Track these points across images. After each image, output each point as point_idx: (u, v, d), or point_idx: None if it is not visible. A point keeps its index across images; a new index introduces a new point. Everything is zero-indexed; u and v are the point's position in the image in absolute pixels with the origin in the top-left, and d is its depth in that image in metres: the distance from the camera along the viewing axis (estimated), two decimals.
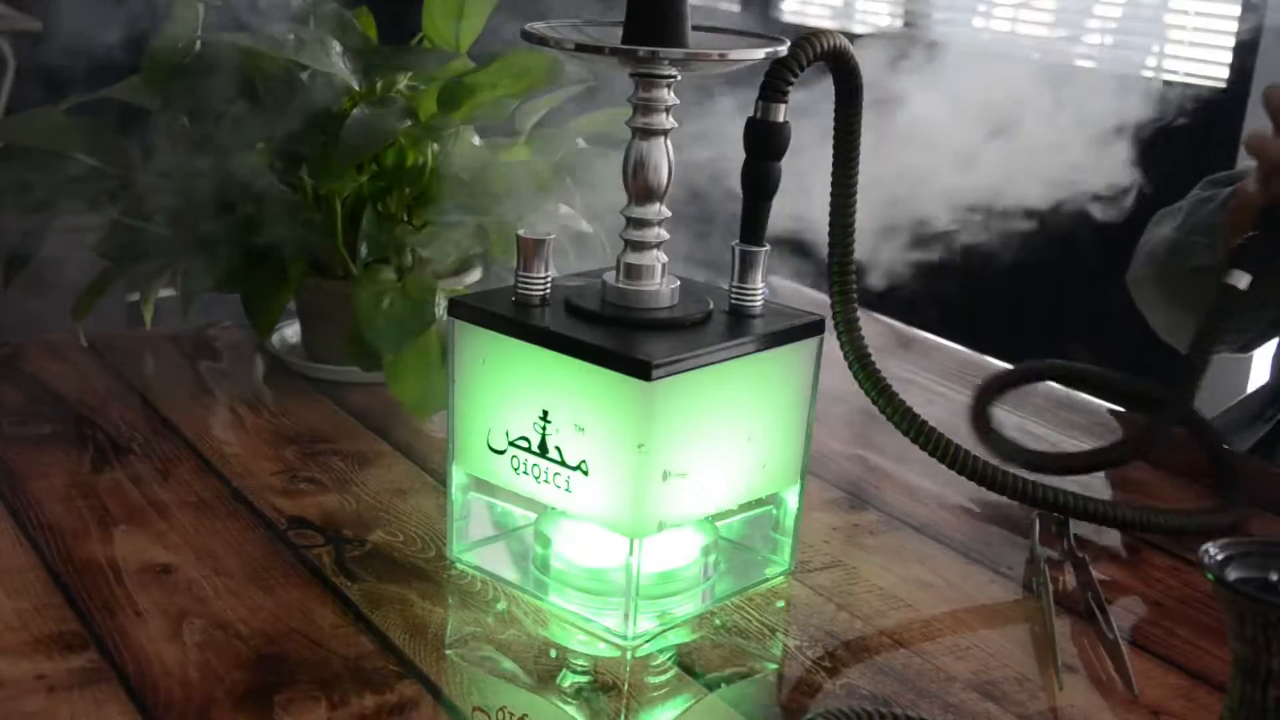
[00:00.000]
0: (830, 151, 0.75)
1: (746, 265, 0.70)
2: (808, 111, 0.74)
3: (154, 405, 0.94)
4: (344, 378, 0.99)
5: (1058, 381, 1.08)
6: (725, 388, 0.67)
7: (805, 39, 0.67)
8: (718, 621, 0.70)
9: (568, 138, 1.03)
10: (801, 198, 0.75)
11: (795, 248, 0.92)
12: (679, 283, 0.71)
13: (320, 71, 0.91)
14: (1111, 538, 0.83)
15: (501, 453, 0.70)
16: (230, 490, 0.81)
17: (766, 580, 0.75)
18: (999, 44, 2.92)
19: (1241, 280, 0.90)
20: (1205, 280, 1.01)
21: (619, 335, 0.66)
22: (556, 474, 0.67)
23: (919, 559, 0.79)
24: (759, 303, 0.70)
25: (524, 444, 0.68)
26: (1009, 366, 1.06)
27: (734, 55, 0.66)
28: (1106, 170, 0.94)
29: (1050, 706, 0.64)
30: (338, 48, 0.91)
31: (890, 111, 0.84)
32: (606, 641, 0.68)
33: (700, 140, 0.79)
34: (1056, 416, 1.04)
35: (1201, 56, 2.53)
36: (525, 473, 0.69)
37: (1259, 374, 2.26)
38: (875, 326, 1.23)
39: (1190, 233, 1.07)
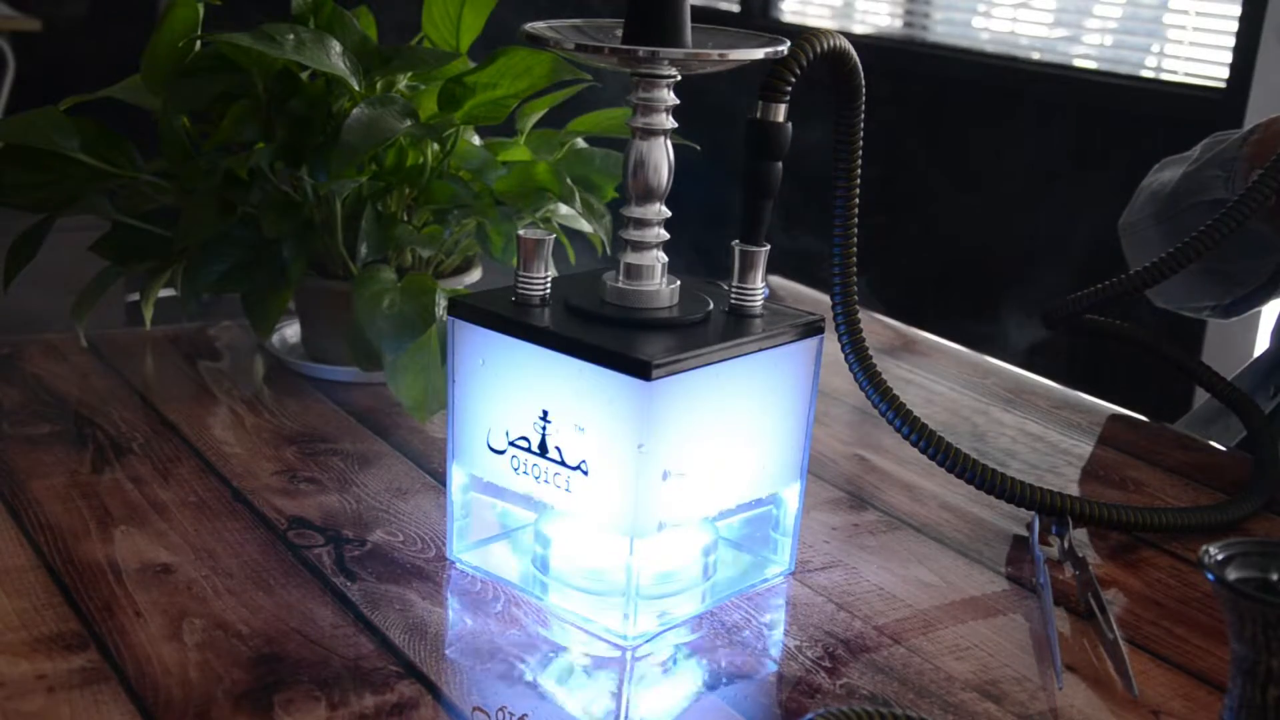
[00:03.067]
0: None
1: (746, 265, 0.70)
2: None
3: (154, 405, 0.94)
4: (344, 378, 0.99)
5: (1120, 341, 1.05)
6: (725, 388, 0.67)
7: (805, 39, 0.67)
8: (718, 621, 0.70)
9: (568, 138, 1.03)
10: None
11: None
12: (679, 283, 0.71)
13: (320, 71, 0.91)
14: (1111, 538, 0.83)
15: (501, 453, 0.70)
16: (230, 490, 0.81)
17: (766, 580, 0.75)
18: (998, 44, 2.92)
19: None
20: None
21: (619, 335, 0.66)
22: (556, 474, 0.67)
23: (919, 559, 0.79)
24: (759, 303, 0.70)
25: (524, 444, 0.68)
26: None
27: (734, 55, 0.66)
28: None
29: (1050, 706, 0.64)
30: (338, 48, 0.91)
31: None
32: (606, 641, 0.68)
33: None
34: (1057, 416, 1.04)
35: (1201, 56, 2.53)
36: (525, 473, 0.69)
37: (1262, 343, 2.25)
38: (875, 326, 1.23)
39: (1205, 166, 1.07)
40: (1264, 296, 1.14)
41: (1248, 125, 1.08)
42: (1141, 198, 1.15)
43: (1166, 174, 1.13)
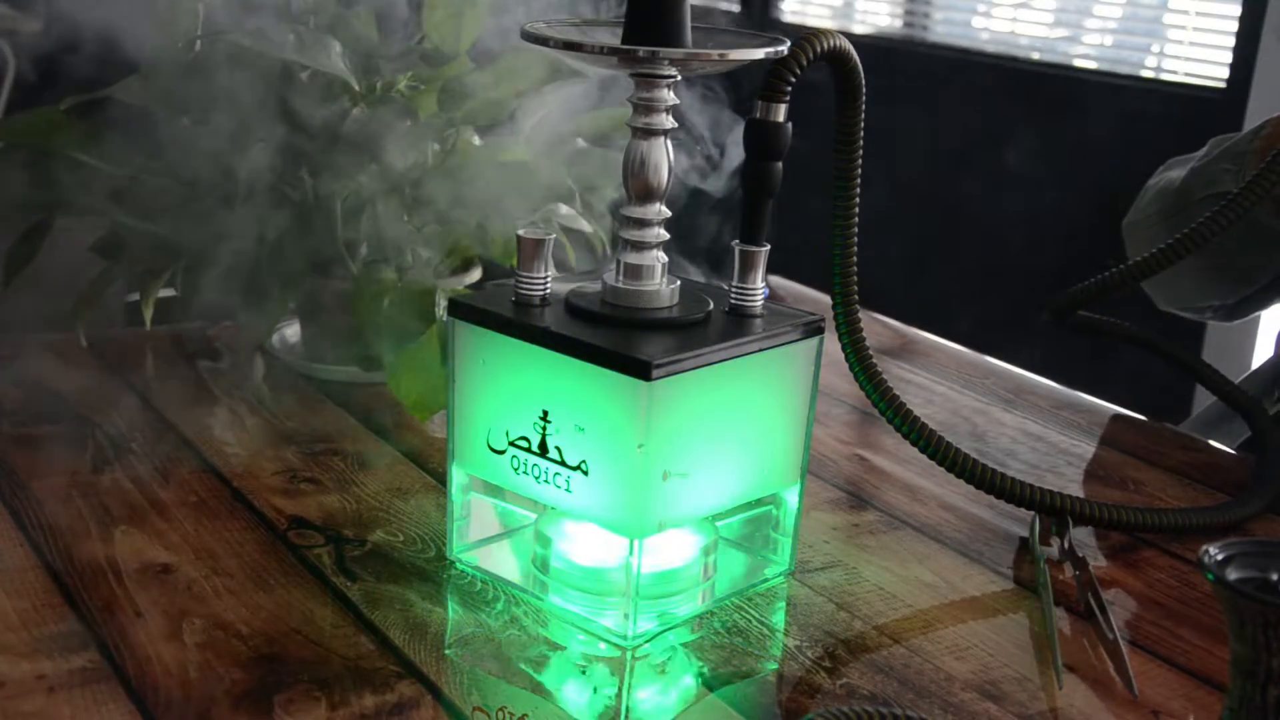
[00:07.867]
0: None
1: (747, 265, 0.70)
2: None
3: (154, 405, 0.94)
4: (344, 378, 0.99)
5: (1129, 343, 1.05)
6: (725, 388, 0.67)
7: (805, 39, 0.67)
8: (718, 621, 0.70)
9: (568, 138, 1.03)
10: None
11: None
12: (679, 283, 0.71)
13: (320, 71, 0.91)
14: (1111, 538, 0.83)
15: (501, 453, 0.70)
16: (230, 490, 0.81)
17: (766, 580, 0.75)
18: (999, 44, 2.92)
19: None
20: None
21: (619, 335, 0.66)
22: (556, 474, 0.67)
23: (919, 559, 0.79)
24: (759, 303, 0.70)
25: (524, 444, 0.68)
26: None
27: (734, 55, 0.66)
28: None
29: (1050, 706, 0.64)
30: (338, 48, 0.91)
31: None
32: (606, 641, 0.68)
33: None
34: (1057, 417, 1.04)
35: (1201, 56, 2.53)
36: (525, 473, 0.69)
37: (1262, 350, 2.26)
38: (875, 326, 1.23)
39: (1215, 160, 1.07)
40: (1270, 298, 1.14)
41: (1247, 126, 1.08)
42: (1148, 196, 1.15)
43: (1174, 172, 1.13)
